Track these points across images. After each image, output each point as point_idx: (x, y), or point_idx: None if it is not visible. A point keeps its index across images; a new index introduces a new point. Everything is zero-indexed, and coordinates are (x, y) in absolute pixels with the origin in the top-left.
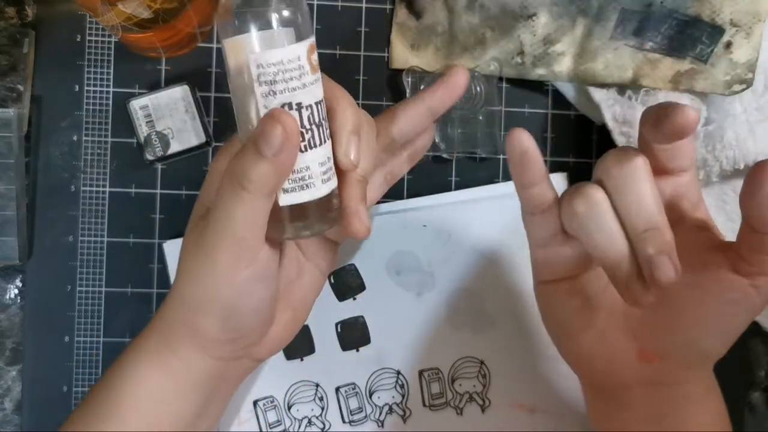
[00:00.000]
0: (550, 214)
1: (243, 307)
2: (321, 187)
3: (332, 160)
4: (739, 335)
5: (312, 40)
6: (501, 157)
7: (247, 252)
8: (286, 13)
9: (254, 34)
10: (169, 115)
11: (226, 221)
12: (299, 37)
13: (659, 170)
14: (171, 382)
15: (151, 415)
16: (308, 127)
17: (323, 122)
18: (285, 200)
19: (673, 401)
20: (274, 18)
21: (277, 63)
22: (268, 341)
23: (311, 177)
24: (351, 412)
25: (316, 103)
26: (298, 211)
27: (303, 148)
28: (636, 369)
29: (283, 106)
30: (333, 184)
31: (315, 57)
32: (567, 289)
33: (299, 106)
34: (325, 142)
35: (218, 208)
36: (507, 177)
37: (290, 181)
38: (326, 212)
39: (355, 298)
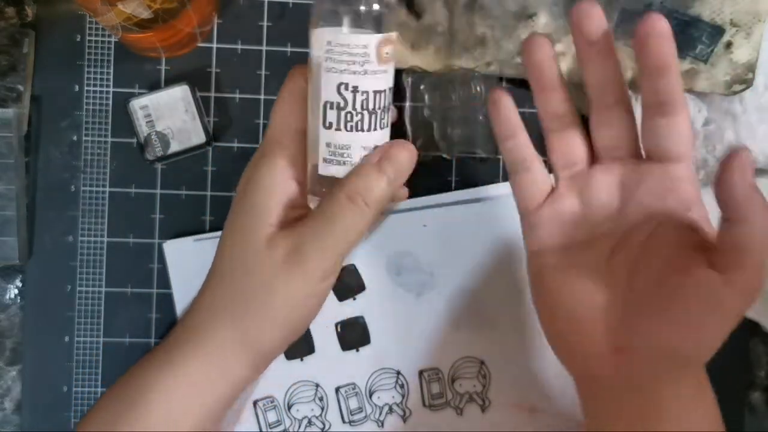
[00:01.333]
0: (533, 170)
1: (310, 317)
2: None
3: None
4: (720, 338)
5: (389, 35)
6: (501, 157)
7: (340, 263)
8: (369, 7)
9: (337, 24)
10: (169, 115)
11: (337, 233)
12: (378, 30)
13: (653, 154)
14: (201, 396)
15: (176, 415)
16: (359, 110)
17: (378, 111)
18: (325, 170)
19: (660, 403)
20: (357, 11)
21: (344, 45)
22: (275, 354)
23: (349, 156)
24: (351, 412)
25: (375, 92)
26: (330, 182)
27: (349, 128)
28: (612, 363)
29: (340, 84)
30: None
31: (388, 50)
32: (554, 264)
33: (355, 89)
34: (374, 130)
35: (330, 218)
36: (507, 177)
37: (329, 152)
38: None
39: (355, 298)
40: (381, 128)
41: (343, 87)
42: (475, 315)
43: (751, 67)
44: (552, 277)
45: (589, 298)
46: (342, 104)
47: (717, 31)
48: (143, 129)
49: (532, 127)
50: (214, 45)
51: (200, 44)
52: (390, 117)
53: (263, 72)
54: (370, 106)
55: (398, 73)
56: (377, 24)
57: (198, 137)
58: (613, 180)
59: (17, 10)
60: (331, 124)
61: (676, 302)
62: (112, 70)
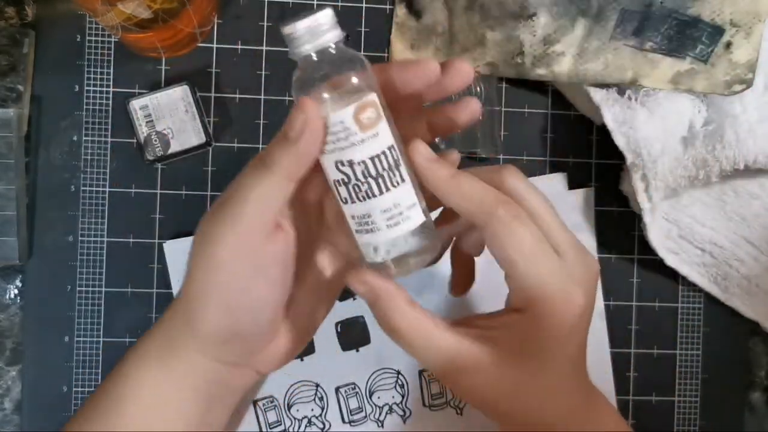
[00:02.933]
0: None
1: (242, 301)
2: (387, 232)
3: (406, 206)
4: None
5: (364, 101)
6: (501, 157)
7: (258, 235)
8: (349, 82)
9: (325, 103)
10: (169, 115)
11: (242, 201)
12: (355, 99)
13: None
14: (171, 384)
15: (153, 417)
16: (363, 180)
17: (384, 173)
18: (359, 240)
19: None
20: (337, 88)
21: (328, 126)
22: (272, 354)
23: (373, 223)
24: (351, 412)
25: (372, 158)
26: (374, 251)
27: (362, 198)
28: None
29: (336, 162)
30: (409, 225)
31: (368, 115)
32: None
33: (350, 162)
34: (387, 191)
35: (235, 188)
36: None
37: (357, 224)
38: (408, 252)
39: (355, 298)
40: (395, 186)
41: (339, 164)
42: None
43: (750, 67)
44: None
45: None
46: (346, 179)
47: (717, 31)
48: (143, 129)
49: (533, 127)
50: (214, 45)
51: (200, 44)
52: (404, 171)
53: (263, 72)
54: (372, 173)
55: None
56: (353, 92)
57: (198, 137)
58: None
59: (17, 10)
60: (346, 199)
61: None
62: (112, 70)
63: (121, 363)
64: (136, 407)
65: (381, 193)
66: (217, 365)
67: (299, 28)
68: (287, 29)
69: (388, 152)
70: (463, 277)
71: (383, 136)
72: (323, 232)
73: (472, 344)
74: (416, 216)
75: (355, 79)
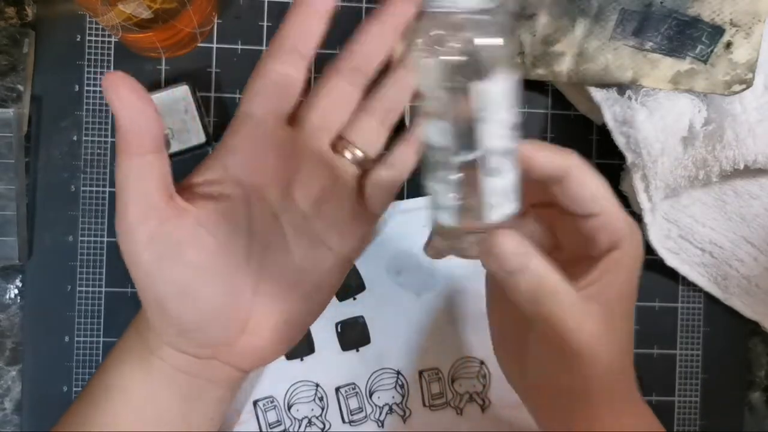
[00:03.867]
0: None
1: (168, 287)
2: (513, 204)
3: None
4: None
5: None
6: None
7: (146, 219)
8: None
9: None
10: (169, 115)
11: (117, 191)
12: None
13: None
14: (151, 377)
15: (137, 415)
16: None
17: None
18: (491, 216)
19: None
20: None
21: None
22: (246, 349)
23: (515, 193)
24: (351, 412)
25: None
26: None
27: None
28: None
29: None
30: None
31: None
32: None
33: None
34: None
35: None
36: None
37: (499, 196)
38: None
39: (355, 298)
40: (515, 167)
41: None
42: (475, 315)
43: (750, 67)
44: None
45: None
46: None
47: (717, 31)
48: None
49: (532, 127)
50: (214, 45)
51: (200, 44)
52: None
53: None
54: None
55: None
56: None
57: (198, 137)
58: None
59: (17, 10)
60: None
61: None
62: (112, 70)
63: (106, 360)
64: (122, 406)
65: (513, 168)
66: (188, 358)
67: None
68: None
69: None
70: None
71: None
72: (289, 223)
73: (564, 277)
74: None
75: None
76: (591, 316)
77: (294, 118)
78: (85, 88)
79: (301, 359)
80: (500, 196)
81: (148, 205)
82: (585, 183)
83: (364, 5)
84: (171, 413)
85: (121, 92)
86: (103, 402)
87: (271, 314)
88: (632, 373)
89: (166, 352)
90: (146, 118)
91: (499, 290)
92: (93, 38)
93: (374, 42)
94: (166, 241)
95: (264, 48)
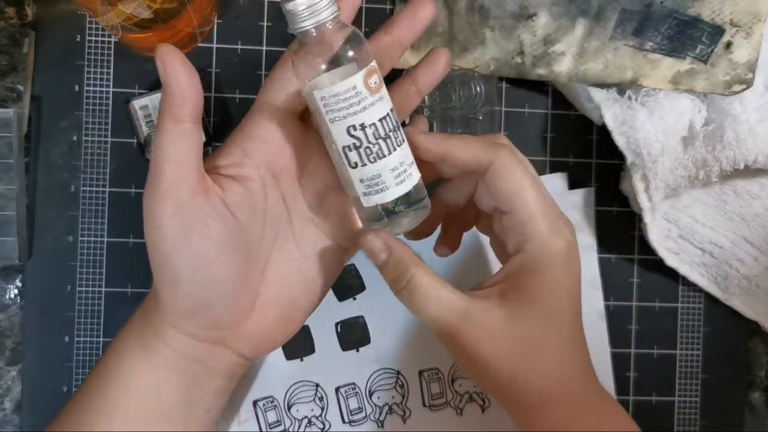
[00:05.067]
0: None
1: (190, 263)
2: (395, 189)
3: (408, 163)
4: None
5: (369, 67)
6: None
7: (178, 193)
8: (347, 53)
9: (322, 75)
10: None
11: (155, 163)
12: (360, 67)
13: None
14: (153, 362)
15: (139, 401)
16: (374, 141)
17: (390, 134)
18: (367, 202)
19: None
20: (337, 59)
21: (335, 95)
22: (250, 333)
23: (384, 182)
24: (351, 412)
25: (380, 119)
26: (382, 210)
27: (373, 160)
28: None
29: (348, 128)
30: (412, 182)
31: (374, 80)
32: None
33: (362, 126)
34: (394, 150)
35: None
36: None
37: (366, 186)
38: (411, 206)
39: (355, 298)
40: (399, 145)
41: (351, 129)
42: None
43: (750, 67)
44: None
45: None
46: (357, 143)
47: (717, 31)
48: (143, 129)
49: (533, 127)
50: (214, 45)
51: (200, 44)
52: (401, 135)
53: (263, 72)
54: (382, 134)
55: (398, 73)
56: (355, 61)
57: None
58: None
59: (17, 10)
60: (356, 163)
61: None
62: (112, 70)
63: (110, 347)
64: (122, 393)
65: (389, 152)
66: (193, 342)
67: (300, 3)
68: (289, 5)
69: (391, 114)
70: (449, 238)
71: (386, 99)
72: (296, 212)
73: (480, 298)
74: (415, 173)
75: (356, 51)
76: (488, 318)
77: (305, 115)
78: (85, 88)
79: (301, 359)
80: (369, 185)
81: (182, 170)
82: (505, 177)
83: (364, 5)
84: (171, 401)
85: (173, 59)
86: (103, 388)
87: (276, 299)
88: (587, 377)
89: (169, 334)
90: (192, 88)
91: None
92: (93, 38)
93: (383, 52)
94: (193, 214)
95: (264, 48)
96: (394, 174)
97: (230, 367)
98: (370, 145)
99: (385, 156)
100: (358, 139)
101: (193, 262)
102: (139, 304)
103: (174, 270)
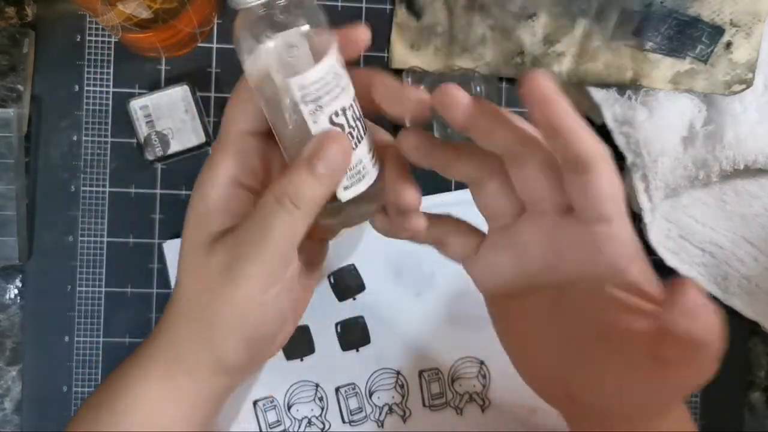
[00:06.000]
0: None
1: (269, 325)
2: (372, 172)
3: (374, 148)
4: (661, 404)
5: (335, 41)
6: None
7: (283, 268)
8: (306, 27)
9: (284, 57)
10: (169, 115)
11: (270, 238)
12: (326, 45)
13: (575, 213)
14: (178, 402)
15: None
16: (353, 123)
17: (360, 117)
18: (346, 195)
19: None
20: (298, 36)
21: (318, 80)
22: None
23: (365, 167)
24: (351, 412)
25: (353, 100)
26: (356, 200)
27: (354, 145)
28: (569, 409)
29: (331, 116)
30: (378, 166)
31: (341, 58)
32: (505, 309)
33: (344, 110)
34: (365, 132)
35: (259, 224)
36: None
37: (348, 177)
38: (375, 194)
39: (355, 298)
40: (366, 130)
41: (334, 115)
42: (475, 315)
43: (750, 67)
44: (506, 321)
45: (540, 346)
46: (341, 129)
47: (717, 31)
48: (143, 129)
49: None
50: (214, 45)
51: (200, 44)
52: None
53: None
54: (358, 115)
55: (398, 74)
56: (321, 39)
57: (198, 137)
58: (540, 233)
59: (17, 10)
60: None
61: (605, 364)
62: (112, 70)
63: (122, 371)
64: (136, 420)
65: (364, 135)
66: (230, 381)
67: None
68: None
69: (355, 96)
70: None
71: (349, 78)
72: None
73: None
74: (376, 159)
75: (324, 30)
76: None
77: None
78: (85, 88)
79: (301, 359)
80: (352, 175)
81: (286, 258)
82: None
83: (364, 5)
84: (192, 428)
85: None
86: (117, 416)
87: (287, 330)
88: None
89: (208, 379)
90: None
91: (514, 310)
92: (93, 38)
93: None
94: (285, 286)
95: None
96: (370, 156)
97: (222, 395)
98: (352, 129)
99: (363, 137)
100: (340, 125)
101: (273, 331)
102: (163, 328)
103: (251, 339)
